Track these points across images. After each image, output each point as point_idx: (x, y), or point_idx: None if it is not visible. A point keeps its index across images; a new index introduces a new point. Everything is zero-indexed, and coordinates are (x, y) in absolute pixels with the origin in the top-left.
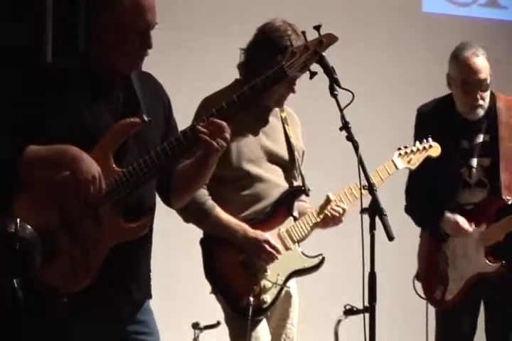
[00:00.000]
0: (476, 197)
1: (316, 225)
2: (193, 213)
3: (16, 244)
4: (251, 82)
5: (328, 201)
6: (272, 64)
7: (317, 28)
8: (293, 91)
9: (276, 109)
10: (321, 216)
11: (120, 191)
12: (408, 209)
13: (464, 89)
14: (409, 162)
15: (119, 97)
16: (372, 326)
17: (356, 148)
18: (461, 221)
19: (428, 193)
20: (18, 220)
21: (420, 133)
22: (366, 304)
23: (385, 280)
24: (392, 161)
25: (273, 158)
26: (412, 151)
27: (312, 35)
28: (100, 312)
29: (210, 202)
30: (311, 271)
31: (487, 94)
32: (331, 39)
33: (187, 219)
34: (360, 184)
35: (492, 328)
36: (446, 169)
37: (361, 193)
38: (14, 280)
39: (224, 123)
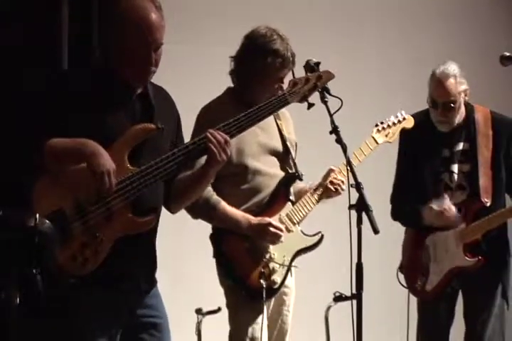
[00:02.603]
0: (456, 199)
1: (316, 202)
2: (200, 209)
3: (35, 237)
4: (259, 104)
5: (330, 172)
6: (262, 67)
7: (317, 64)
8: (282, 89)
9: None
10: (319, 191)
11: (132, 188)
12: (394, 215)
13: (431, 105)
14: (387, 136)
15: (136, 106)
16: (359, 311)
17: (345, 150)
18: (447, 206)
19: (410, 199)
20: (38, 215)
21: (404, 144)
22: (354, 291)
23: (372, 269)
24: (372, 137)
25: (269, 151)
26: (388, 126)
27: (304, 46)
28: (109, 300)
29: (215, 197)
30: (313, 248)
31: (453, 114)
32: (329, 75)
33: (195, 215)
34: (349, 183)
35: (469, 313)
36: (429, 174)
37: (349, 191)
38: (34, 271)
39: (227, 137)
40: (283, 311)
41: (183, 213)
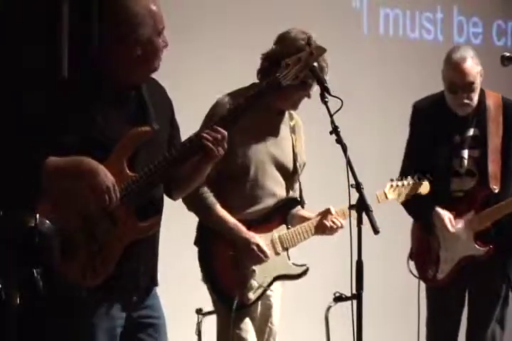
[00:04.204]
0: (466, 185)
1: (312, 235)
2: (195, 206)
3: (35, 237)
4: (248, 92)
5: (328, 212)
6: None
7: (308, 38)
8: (308, 96)
9: (287, 117)
10: (317, 228)
11: (133, 194)
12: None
13: (452, 89)
14: (399, 195)
15: (131, 107)
16: (359, 311)
17: (345, 150)
18: (447, 220)
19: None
20: (38, 216)
21: (415, 128)
22: (354, 291)
23: (372, 269)
24: (384, 192)
25: (277, 165)
26: (403, 185)
27: None
28: (111, 301)
29: (211, 198)
30: (295, 278)
31: (474, 95)
32: (320, 51)
33: (189, 209)
34: (349, 182)
35: (473, 299)
36: (439, 159)
37: (349, 191)
38: (34, 271)
39: (224, 132)
40: (271, 312)
41: (184, 213)
